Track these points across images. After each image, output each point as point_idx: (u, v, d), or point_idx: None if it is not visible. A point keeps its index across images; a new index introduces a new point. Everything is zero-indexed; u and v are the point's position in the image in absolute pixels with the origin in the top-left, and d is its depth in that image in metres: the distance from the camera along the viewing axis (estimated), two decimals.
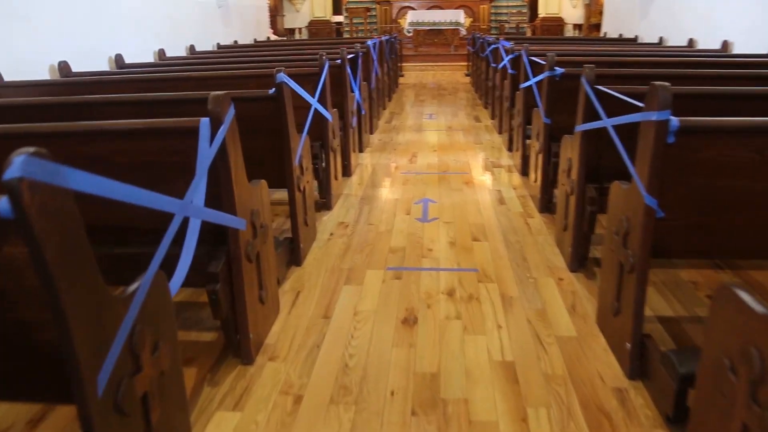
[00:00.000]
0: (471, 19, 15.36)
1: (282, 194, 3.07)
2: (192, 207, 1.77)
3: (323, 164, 3.89)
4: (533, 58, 4.43)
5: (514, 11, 15.99)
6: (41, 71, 4.14)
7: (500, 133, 6.31)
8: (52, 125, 2.05)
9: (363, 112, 5.49)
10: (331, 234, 3.58)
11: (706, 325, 1.44)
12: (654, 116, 1.90)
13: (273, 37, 11.36)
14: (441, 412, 1.99)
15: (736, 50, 5.36)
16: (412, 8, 15.53)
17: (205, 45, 7.32)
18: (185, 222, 1.82)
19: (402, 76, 12.14)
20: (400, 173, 4.94)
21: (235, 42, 8.31)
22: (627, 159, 2.17)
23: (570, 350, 2.33)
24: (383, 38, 7.87)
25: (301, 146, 3.11)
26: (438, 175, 4.83)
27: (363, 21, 15.66)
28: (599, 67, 2.89)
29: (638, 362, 2.12)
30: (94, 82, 3.85)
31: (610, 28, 9.39)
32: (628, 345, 2.12)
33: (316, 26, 16.00)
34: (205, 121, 1.94)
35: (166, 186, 2.00)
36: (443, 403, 2.03)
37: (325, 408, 2.02)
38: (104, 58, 5.05)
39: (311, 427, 1.94)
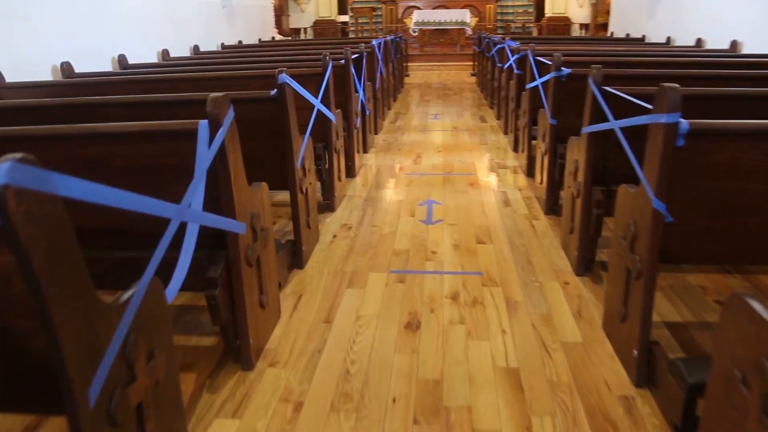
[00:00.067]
0: (477, 19, 15.30)
1: (284, 196, 3.03)
2: (189, 211, 1.73)
3: (326, 165, 3.85)
4: (539, 58, 4.38)
5: (520, 11, 15.92)
6: (43, 72, 4.12)
7: (506, 133, 6.26)
8: (49, 128, 2.02)
9: (367, 113, 5.46)
10: (334, 236, 3.54)
11: (716, 335, 1.40)
12: (663, 119, 1.85)
13: (278, 37, 11.34)
14: (444, 420, 1.95)
15: (745, 50, 5.29)
16: (418, 8, 15.47)
17: (210, 45, 7.30)
18: (184, 226, 1.79)
19: (407, 75, 12.09)
20: (404, 174, 4.90)
21: (240, 42, 8.28)
22: (635, 162, 2.12)
23: (575, 356, 2.28)
24: (388, 38, 7.83)
25: (303, 148, 3.07)
26: (443, 176, 4.78)
27: (368, 21, 15.61)
28: (606, 67, 2.84)
29: (645, 370, 2.07)
30: (96, 83, 3.83)
31: (617, 27, 9.33)
32: (635, 352, 2.07)
33: (321, 26, 15.97)
34: (203, 124, 1.90)
35: (165, 189, 1.98)
36: (446, 410, 1.99)
37: (325, 415, 1.98)
38: (107, 58, 5.03)
39: None
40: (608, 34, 9.79)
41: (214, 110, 1.91)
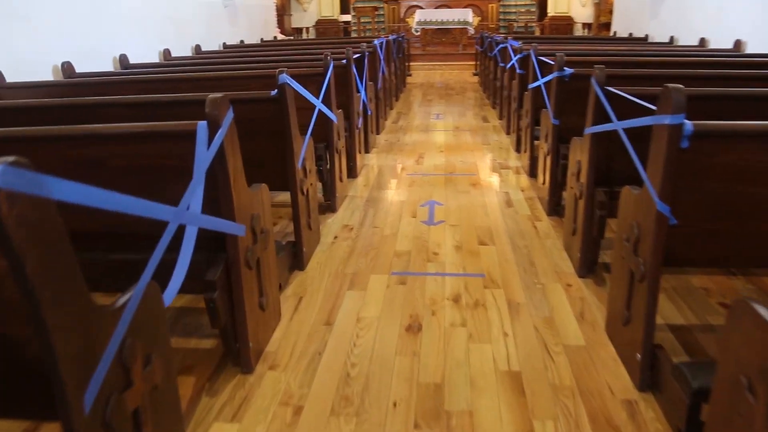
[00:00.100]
0: (479, 18, 15.27)
1: (285, 196, 3.02)
2: (187, 214, 1.71)
3: (327, 166, 3.84)
4: (542, 57, 4.36)
5: (522, 10, 15.88)
6: (44, 72, 4.10)
7: (508, 133, 6.24)
8: (47, 129, 2.00)
9: (369, 113, 5.44)
10: (336, 237, 3.52)
11: (721, 340, 1.38)
12: (667, 120, 1.83)
13: (280, 37, 11.32)
14: (444, 424, 1.93)
15: (748, 50, 5.26)
16: (420, 7, 15.45)
17: (212, 45, 7.28)
18: (182, 228, 1.77)
19: (410, 75, 12.07)
20: (406, 174, 4.88)
21: (242, 41, 8.27)
22: (638, 163, 2.10)
23: (578, 360, 2.26)
24: (391, 37, 7.81)
25: (304, 148, 3.05)
26: (445, 177, 4.76)
27: (371, 20, 15.60)
28: (609, 67, 2.81)
29: (649, 374, 2.05)
30: (97, 83, 3.81)
31: (619, 27, 9.29)
32: (639, 356, 2.05)
33: (323, 25, 15.95)
34: (202, 125, 1.88)
35: (165, 190, 1.96)
36: (447, 415, 1.97)
37: (325, 420, 1.96)
38: (109, 58, 5.01)
39: None
40: (611, 34, 9.75)
41: (213, 111, 1.89)
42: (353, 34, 15.54)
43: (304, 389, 2.12)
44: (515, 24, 15.58)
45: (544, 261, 3.12)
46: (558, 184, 3.72)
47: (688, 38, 6.51)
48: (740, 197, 1.92)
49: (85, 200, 1.18)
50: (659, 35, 7.35)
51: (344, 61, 4.41)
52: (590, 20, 14.64)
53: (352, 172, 4.73)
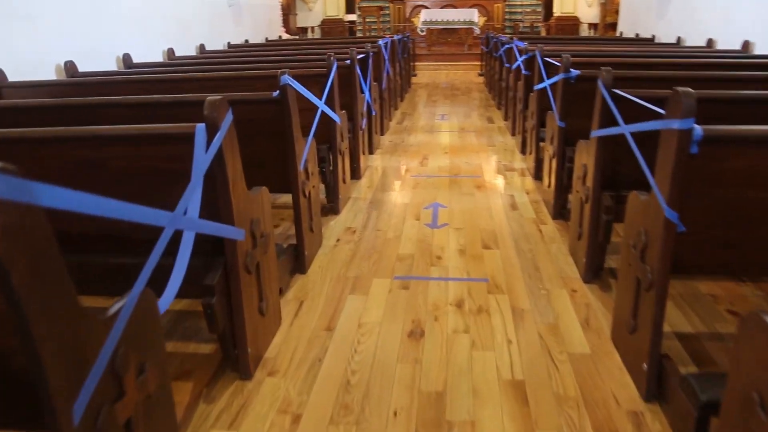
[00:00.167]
0: (485, 18, 15.21)
1: (288, 197, 2.98)
2: (184, 219, 1.68)
3: (330, 168, 3.80)
4: (548, 58, 4.31)
5: (528, 10, 15.81)
6: (47, 71, 4.08)
7: (513, 135, 6.19)
8: (44, 130, 1.97)
9: (373, 113, 5.39)
10: (338, 240, 3.48)
11: (732, 353, 1.33)
12: (676, 124, 1.78)
13: (285, 36, 11.29)
14: None
15: (757, 51, 5.20)
16: (426, 7, 15.40)
17: (216, 44, 7.25)
18: (180, 232, 1.73)
19: (415, 75, 12.02)
20: (410, 176, 4.84)
21: (246, 41, 8.24)
22: (646, 168, 2.05)
23: (583, 369, 2.21)
24: (395, 38, 7.77)
25: (306, 150, 3.01)
26: (449, 179, 4.72)
27: (376, 20, 15.55)
28: (616, 68, 2.77)
29: (655, 384, 2.00)
30: (98, 82, 3.79)
31: (626, 27, 9.23)
32: (645, 366, 2.00)
33: (328, 25, 15.91)
34: (200, 127, 1.85)
35: (163, 193, 1.93)
36: (448, 425, 1.93)
37: (324, 429, 1.92)
38: (112, 57, 4.99)
39: None
40: (617, 34, 9.69)
41: (211, 114, 1.86)
42: (358, 34, 15.50)
43: (303, 396, 2.08)
44: (521, 24, 15.51)
45: (549, 266, 3.08)
46: (563, 187, 3.67)
47: (695, 39, 6.46)
48: (751, 204, 1.87)
49: (75, 206, 1.14)
50: (666, 36, 7.29)
51: (348, 61, 4.37)
52: (596, 20, 14.56)
53: (356, 174, 4.69)
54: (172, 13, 6.22)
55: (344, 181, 4.12)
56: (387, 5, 15.98)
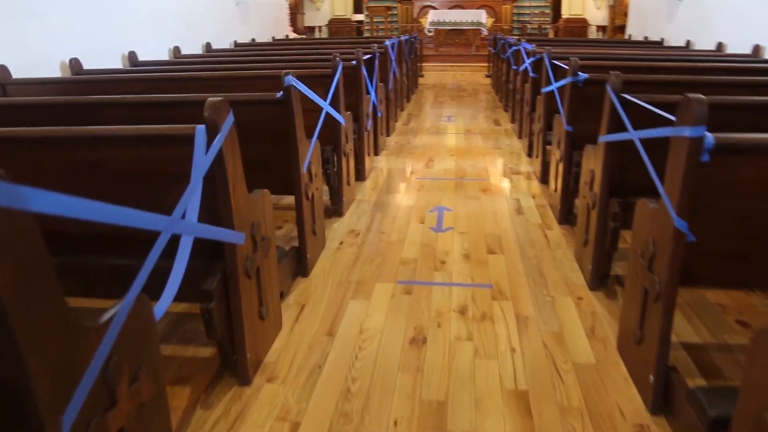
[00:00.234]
0: (493, 20, 15.14)
1: (292, 198, 2.93)
2: (182, 223, 1.64)
3: (335, 169, 3.76)
4: (555, 61, 4.26)
5: (536, 12, 15.74)
6: (52, 68, 4.06)
7: (520, 137, 6.14)
8: (43, 130, 1.94)
9: (379, 114, 5.35)
10: (341, 243, 3.44)
11: (745, 371, 1.29)
12: (687, 132, 1.74)
13: (292, 36, 11.27)
14: None
15: (767, 55, 5.14)
16: (434, 7, 15.35)
17: (223, 43, 7.23)
18: (178, 235, 1.70)
19: (422, 76, 11.98)
20: (415, 178, 4.80)
21: (253, 40, 8.21)
22: (655, 176, 2.01)
23: (588, 379, 2.17)
24: (403, 38, 7.72)
25: (310, 152, 2.98)
26: (454, 182, 4.68)
27: (384, 20, 15.51)
28: (624, 72, 2.72)
29: (662, 397, 1.95)
30: (102, 80, 3.77)
31: (634, 30, 9.16)
32: (652, 378, 1.96)
33: (336, 25, 15.88)
34: (200, 129, 1.81)
35: (163, 195, 1.90)
36: None
37: None
38: (119, 55, 4.97)
39: None
40: (626, 37, 9.62)
41: (212, 115, 1.82)
42: (366, 34, 15.47)
43: (302, 404, 2.04)
44: (529, 26, 15.44)
45: (555, 272, 3.03)
46: (570, 191, 3.62)
47: (704, 42, 6.39)
48: (763, 214, 1.83)
49: (66, 211, 1.11)
50: (675, 39, 7.22)
51: (354, 62, 4.33)
52: (605, 23, 14.48)
53: (361, 175, 4.65)
54: (180, 11, 6.21)
55: (348, 183, 4.08)
56: (395, 5, 15.93)
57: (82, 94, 3.38)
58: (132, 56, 5.08)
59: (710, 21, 6.38)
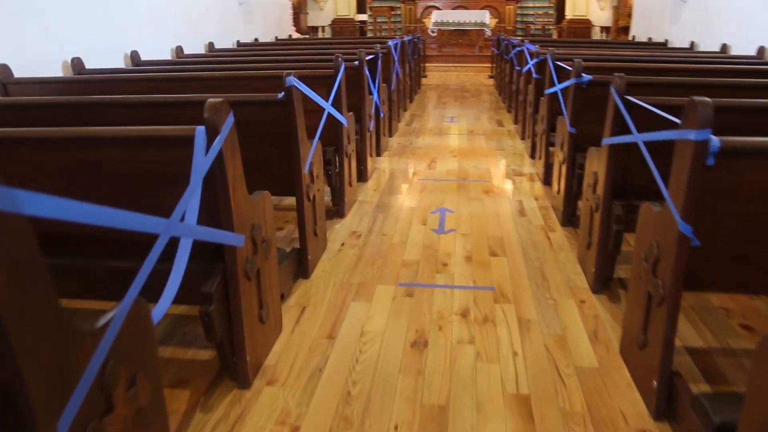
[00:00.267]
0: (496, 20, 15.12)
1: (293, 200, 2.92)
2: (180, 226, 1.63)
3: (336, 170, 3.74)
4: (559, 62, 4.24)
5: (540, 12, 15.71)
6: (54, 67, 4.05)
7: (523, 138, 6.12)
8: (41, 130, 1.93)
9: (382, 115, 5.34)
10: (343, 244, 3.42)
11: (750, 378, 1.27)
12: (692, 135, 1.72)
13: (295, 35, 11.25)
14: None
15: None
16: (437, 8, 15.33)
17: (225, 42, 7.22)
18: (177, 237, 1.68)
19: (425, 76, 11.95)
20: (417, 179, 4.78)
21: (256, 40, 8.20)
22: (659, 179, 1.99)
23: (590, 383, 2.15)
24: (406, 38, 7.70)
25: (312, 152, 2.96)
26: (457, 183, 4.66)
27: (387, 20, 15.50)
28: (629, 73, 2.70)
29: (665, 403, 1.93)
30: (104, 80, 3.76)
31: (638, 31, 9.13)
32: (655, 383, 1.94)
33: (339, 25, 15.87)
34: (200, 130, 1.80)
35: (162, 197, 1.88)
36: None
37: None
38: (121, 54, 4.96)
39: None
40: (630, 38, 9.59)
41: (211, 116, 1.81)
42: (369, 34, 15.45)
43: (302, 408, 2.02)
44: (532, 26, 15.41)
45: (557, 275, 3.01)
46: (573, 194, 3.60)
47: (709, 44, 6.36)
48: None
49: (62, 215, 1.09)
50: (679, 40, 7.20)
51: (357, 62, 4.31)
52: (609, 24, 14.44)
53: (363, 176, 4.63)
54: (183, 10, 6.20)
55: (350, 184, 4.06)
56: (398, 5, 15.92)
57: (83, 93, 3.37)
58: (134, 56, 5.07)
59: (714, 22, 6.35)
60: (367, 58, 4.57)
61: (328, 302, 2.74)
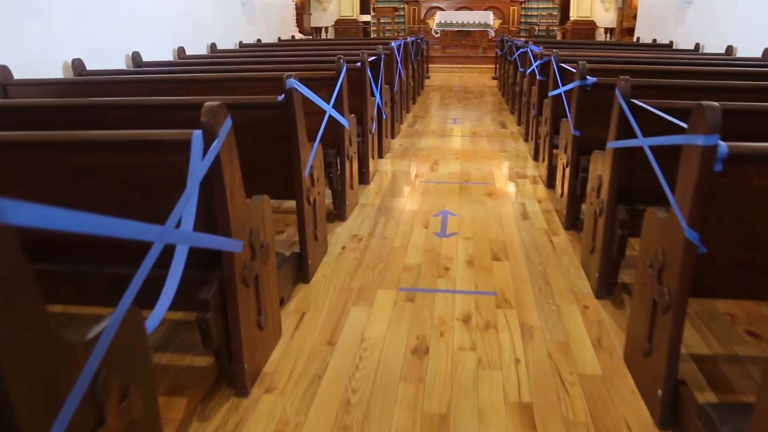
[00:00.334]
0: (500, 21, 15.08)
1: (293, 203, 2.89)
2: (176, 232, 1.59)
3: (338, 173, 3.71)
4: (563, 64, 4.20)
5: (544, 13, 15.67)
6: (55, 68, 4.03)
7: (526, 141, 6.08)
8: (36, 134, 1.90)
9: (384, 116, 5.30)
10: (343, 248, 3.39)
11: (760, 389, 1.23)
12: (699, 140, 1.68)
13: (298, 36, 11.23)
14: None
15: None
16: (441, 9, 15.30)
17: (228, 43, 7.20)
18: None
19: (428, 78, 11.92)
20: (420, 182, 4.74)
21: (258, 41, 8.18)
22: (665, 184, 1.95)
23: (594, 391, 2.11)
24: (409, 39, 7.67)
25: (312, 155, 2.93)
26: (459, 185, 4.62)
27: (390, 21, 15.48)
28: (633, 76, 2.66)
29: (671, 412, 1.90)
30: (104, 81, 3.73)
31: (643, 32, 9.08)
32: (660, 392, 1.90)
33: (342, 25, 15.85)
34: (197, 134, 1.77)
35: (158, 202, 1.86)
36: None
37: None
38: (122, 55, 4.94)
39: None
40: (634, 39, 9.55)
41: (209, 120, 1.77)
42: (373, 35, 15.43)
43: (300, 416, 1.99)
44: (536, 28, 15.38)
45: (560, 280, 2.97)
46: (576, 197, 3.56)
47: (714, 45, 6.32)
48: None
49: (51, 224, 1.06)
50: (684, 42, 7.15)
51: (359, 63, 4.28)
52: (613, 25, 14.40)
53: (364, 179, 4.60)
54: (185, 11, 6.18)
55: (352, 187, 4.03)
56: (402, 6, 15.90)
57: (83, 95, 3.36)
58: (135, 57, 5.05)
59: (720, 24, 6.31)
60: (370, 59, 4.54)
61: (328, 307, 2.71)
